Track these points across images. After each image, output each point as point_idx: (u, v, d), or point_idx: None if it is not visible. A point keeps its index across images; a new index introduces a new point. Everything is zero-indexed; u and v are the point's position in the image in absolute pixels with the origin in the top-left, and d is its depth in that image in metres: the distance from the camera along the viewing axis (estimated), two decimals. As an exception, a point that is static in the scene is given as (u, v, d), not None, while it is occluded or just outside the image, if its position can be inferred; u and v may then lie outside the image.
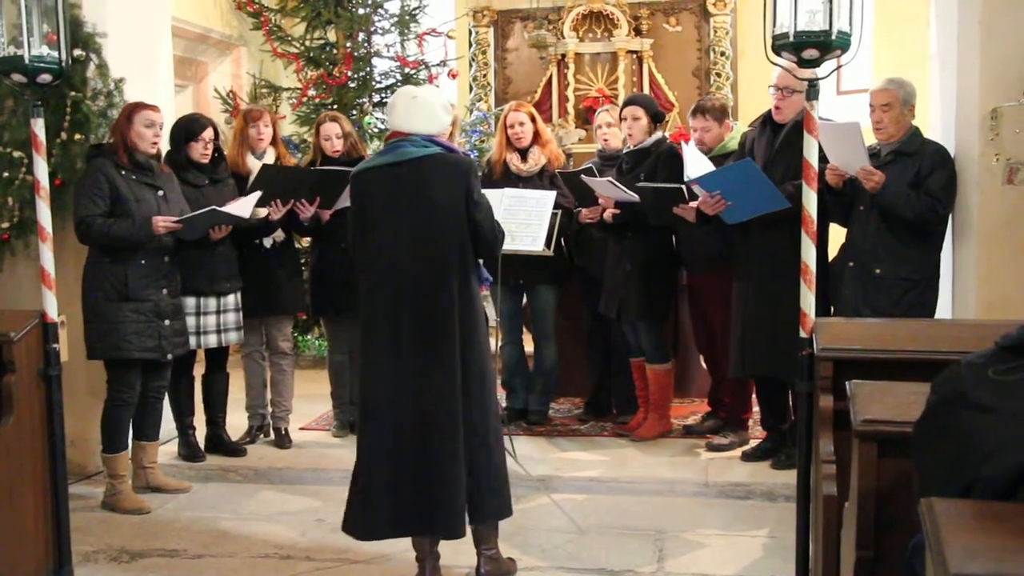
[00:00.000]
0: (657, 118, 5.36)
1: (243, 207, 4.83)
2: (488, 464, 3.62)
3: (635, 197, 4.99)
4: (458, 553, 3.93)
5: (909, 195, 4.39)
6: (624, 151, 5.43)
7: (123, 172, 4.59)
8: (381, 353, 3.59)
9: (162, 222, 4.55)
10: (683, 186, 4.79)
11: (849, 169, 4.44)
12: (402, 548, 4.02)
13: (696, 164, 4.73)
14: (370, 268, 3.65)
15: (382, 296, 3.59)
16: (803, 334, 3.34)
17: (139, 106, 4.67)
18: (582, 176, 5.26)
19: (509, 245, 4.89)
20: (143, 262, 4.60)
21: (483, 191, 3.66)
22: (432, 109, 3.61)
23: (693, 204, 4.76)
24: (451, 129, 5.33)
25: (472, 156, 3.96)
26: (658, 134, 5.35)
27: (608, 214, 5.24)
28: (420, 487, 3.54)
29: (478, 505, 3.61)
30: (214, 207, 4.73)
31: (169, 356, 4.73)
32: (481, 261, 3.77)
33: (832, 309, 4.67)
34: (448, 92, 8.28)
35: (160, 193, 4.68)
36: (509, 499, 3.73)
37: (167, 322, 4.68)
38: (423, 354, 3.53)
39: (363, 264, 3.69)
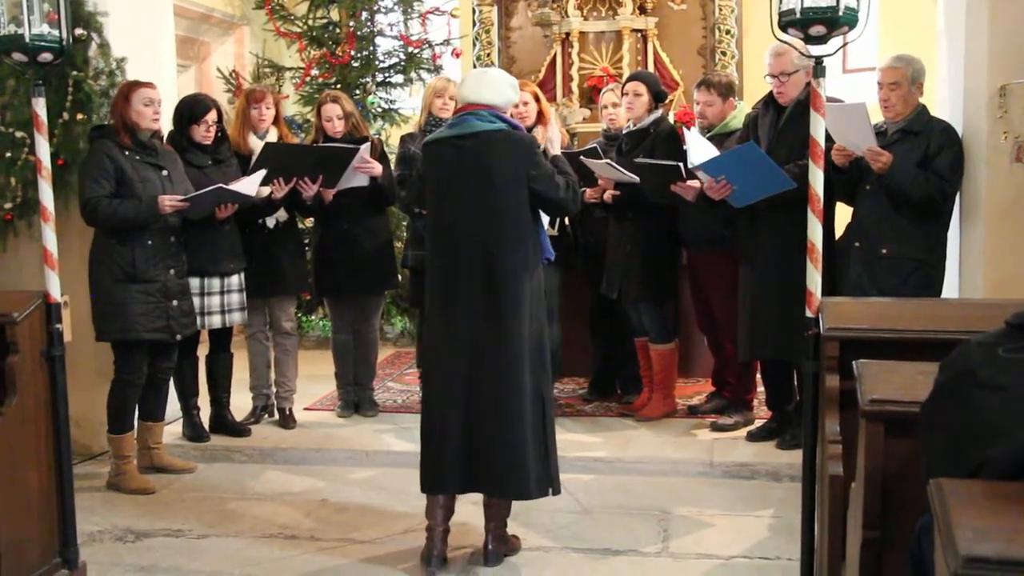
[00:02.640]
0: (659, 97, 5.33)
1: (249, 185, 4.82)
2: (548, 433, 3.73)
3: (634, 178, 4.96)
4: (463, 534, 3.94)
5: (917, 175, 4.36)
6: (624, 131, 5.40)
7: (126, 152, 4.57)
8: (442, 321, 3.74)
9: (168, 201, 4.54)
10: (680, 164, 4.76)
11: (856, 150, 4.41)
12: (406, 528, 4.03)
13: (699, 150, 4.70)
14: (435, 236, 3.80)
15: (444, 266, 3.73)
16: (809, 314, 3.32)
17: (135, 85, 4.65)
18: (581, 157, 5.23)
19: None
20: (150, 243, 4.59)
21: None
22: (500, 85, 3.77)
23: (691, 182, 4.73)
24: None
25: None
26: (658, 113, 5.32)
27: (608, 195, 5.23)
28: (477, 450, 3.64)
29: (539, 471, 3.68)
30: (220, 185, 4.72)
31: (178, 336, 4.73)
32: (547, 238, 3.92)
33: (837, 289, 4.64)
34: (452, 71, 8.24)
35: (164, 173, 4.66)
36: (558, 475, 3.79)
37: (175, 302, 4.67)
38: (483, 323, 3.65)
39: (429, 232, 3.87)
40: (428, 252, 3.87)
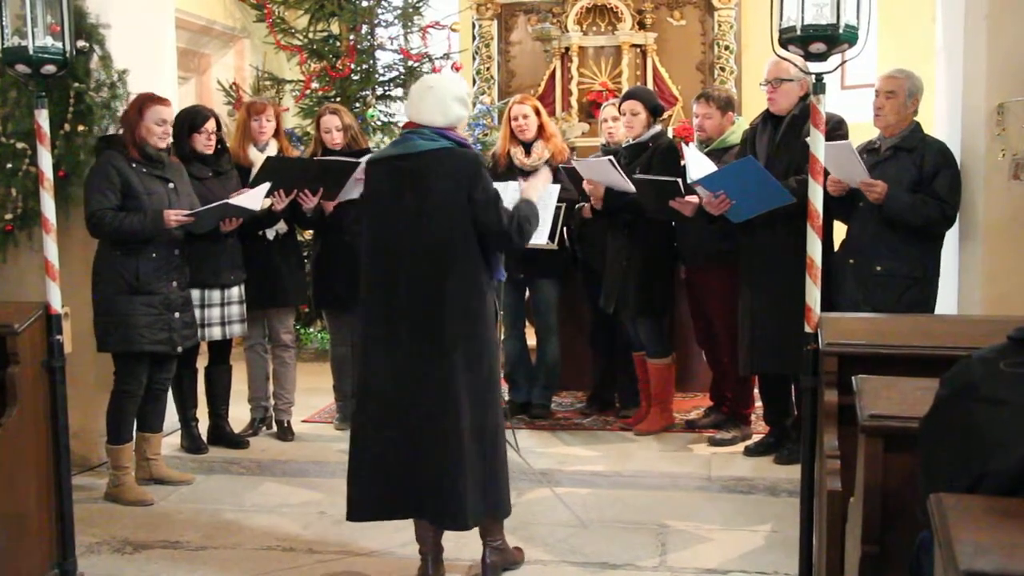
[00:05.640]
0: (656, 112, 5.35)
1: (253, 200, 4.83)
2: (490, 460, 3.60)
3: (630, 185, 4.97)
4: (461, 547, 3.94)
5: (915, 203, 4.36)
6: (623, 145, 5.42)
7: (133, 164, 4.58)
8: (378, 345, 3.61)
9: (174, 216, 4.54)
10: (678, 180, 4.78)
11: (851, 182, 4.43)
12: (404, 541, 4.02)
13: (698, 165, 4.72)
14: (372, 259, 3.66)
15: (382, 289, 3.61)
16: (808, 329, 3.33)
17: (151, 100, 4.64)
18: (573, 160, 5.27)
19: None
20: (154, 255, 4.60)
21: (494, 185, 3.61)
22: (443, 102, 3.57)
23: (690, 198, 4.75)
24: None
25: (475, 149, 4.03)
26: (657, 128, 5.34)
27: (589, 207, 5.26)
28: (411, 474, 3.54)
29: (477, 501, 3.58)
30: (226, 201, 4.73)
31: (179, 348, 4.73)
32: (498, 258, 3.72)
33: (832, 306, 4.65)
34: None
35: (171, 185, 4.67)
36: (508, 497, 3.71)
37: (177, 315, 4.68)
38: (421, 347, 3.53)
39: (365, 255, 3.70)
40: (365, 273, 3.69)
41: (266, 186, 4.91)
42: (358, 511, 3.67)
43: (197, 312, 4.97)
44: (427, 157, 3.52)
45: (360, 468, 3.64)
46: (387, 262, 3.59)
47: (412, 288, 3.54)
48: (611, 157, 5.10)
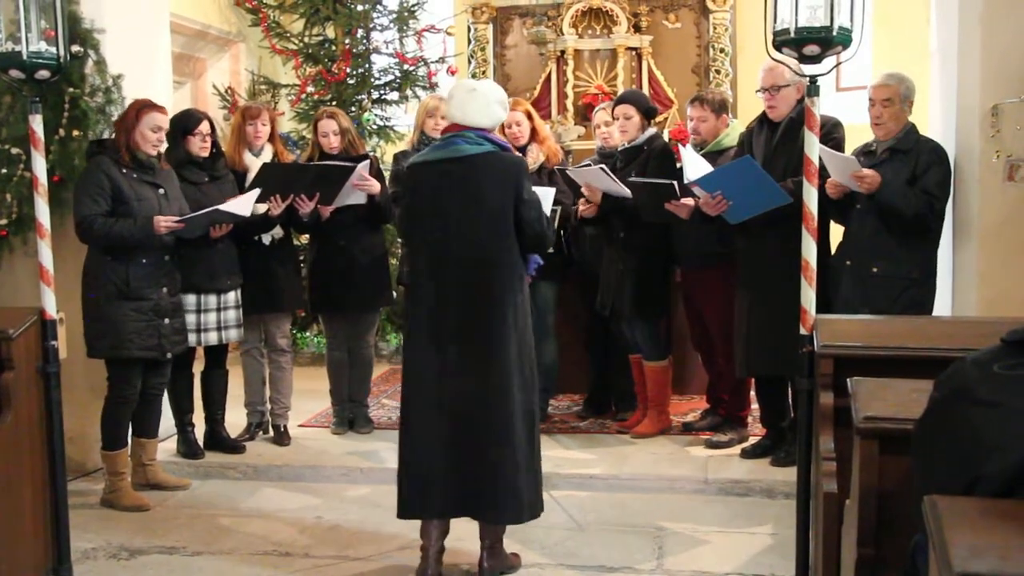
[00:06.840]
0: (649, 114, 5.35)
1: (243, 206, 4.81)
2: (538, 451, 3.76)
3: (625, 190, 4.98)
4: (458, 549, 3.93)
5: (907, 193, 4.38)
6: (619, 148, 5.42)
7: (124, 170, 4.56)
8: (425, 346, 3.70)
9: (164, 222, 4.53)
10: (674, 182, 4.78)
11: (843, 178, 4.44)
12: (400, 545, 4.03)
13: (695, 166, 4.72)
14: (418, 262, 3.79)
15: (429, 290, 3.71)
16: (803, 331, 3.33)
17: (148, 107, 4.62)
18: (568, 170, 5.26)
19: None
20: (144, 261, 4.58)
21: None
22: (488, 104, 3.70)
23: (685, 200, 4.75)
24: None
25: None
26: (651, 130, 5.34)
27: (585, 206, 5.26)
28: (464, 473, 3.64)
29: (529, 492, 3.70)
30: (217, 207, 4.72)
31: (168, 355, 4.72)
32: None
33: (830, 307, 4.65)
34: (447, 88, 8.27)
35: (161, 191, 4.65)
36: (541, 496, 3.80)
37: (167, 320, 4.66)
38: (467, 348, 3.64)
39: (412, 258, 3.86)
40: (411, 274, 3.86)
41: (256, 192, 4.90)
42: (408, 509, 3.75)
43: (193, 317, 4.97)
44: (474, 161, 3.64)
45: (410, 464, 3.73)
46: (436, 262, 3.71)
47: (461, 286, 3.66)
48: (603, 166, 5.11)
